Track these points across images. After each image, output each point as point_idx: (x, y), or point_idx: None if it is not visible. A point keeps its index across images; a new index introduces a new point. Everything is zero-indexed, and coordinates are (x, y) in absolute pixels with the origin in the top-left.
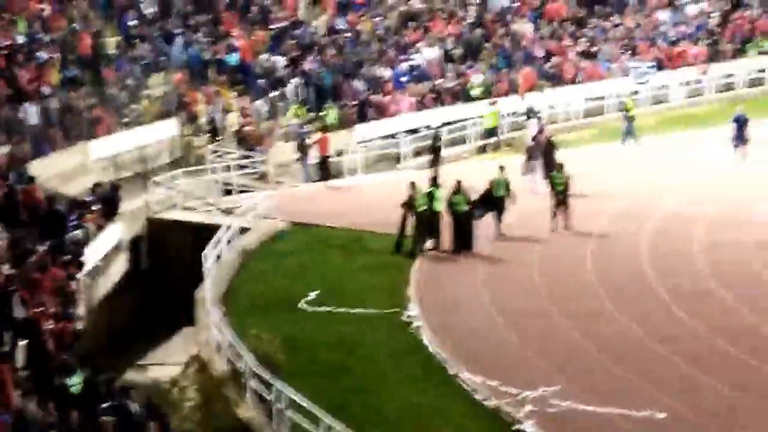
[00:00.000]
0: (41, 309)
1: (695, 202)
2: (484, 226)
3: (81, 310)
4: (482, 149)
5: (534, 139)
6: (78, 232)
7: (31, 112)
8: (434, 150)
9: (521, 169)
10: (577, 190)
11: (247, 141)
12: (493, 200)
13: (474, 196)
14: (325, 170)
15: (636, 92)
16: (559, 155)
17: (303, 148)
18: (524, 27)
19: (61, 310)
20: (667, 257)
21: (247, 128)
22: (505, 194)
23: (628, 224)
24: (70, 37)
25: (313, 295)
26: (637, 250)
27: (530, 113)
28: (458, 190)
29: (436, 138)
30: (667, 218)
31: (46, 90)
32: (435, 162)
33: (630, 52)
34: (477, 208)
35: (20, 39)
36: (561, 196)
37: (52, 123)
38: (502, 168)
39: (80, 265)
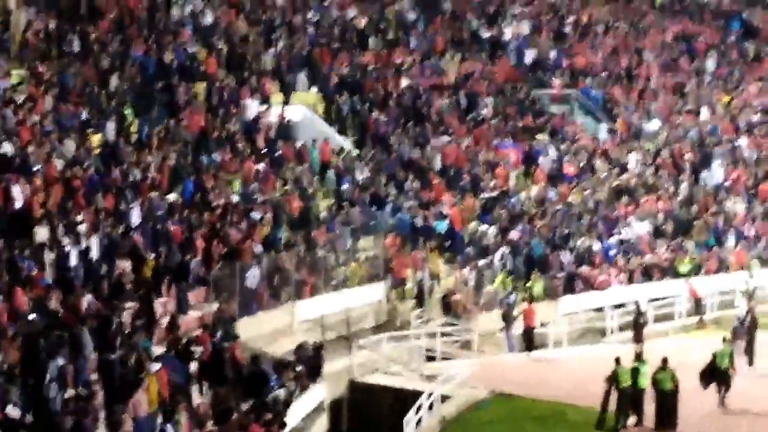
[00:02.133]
0: None
1: None
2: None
3: None
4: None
5: (741, 320)
6: (281, 392)
7: (250, 273)
8: (637, 325)
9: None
10: None
11: (452, 308)
12: (717, 372)
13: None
14: (529, 341)
15: None
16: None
17: (508, 318)
18: (736, 206)
19: None
20: None
21: (453, 296)
22: (729, 366)
23: None
24: (282, 199)
25: None
26: None
27: (745, 294)
28: (664, 367)
29: (640, 313)
30: None
31: (257, 250)
32: (638, 337)
33: None
34: (702, 380)
35: (235, 198)
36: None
37: (260, 282)
38: (725, 339)
39: (282, 425)
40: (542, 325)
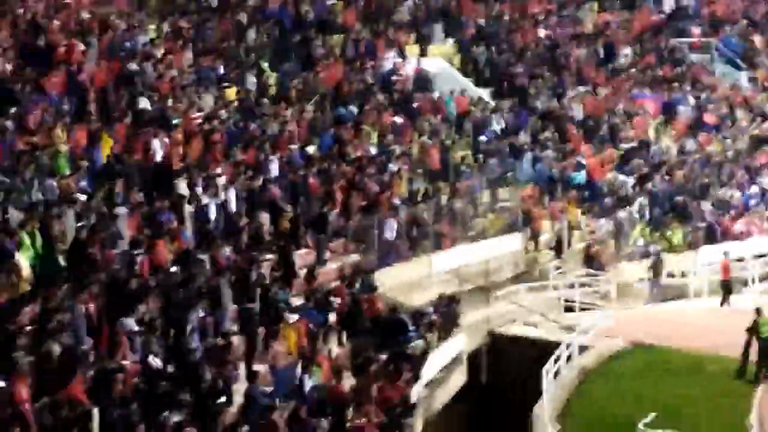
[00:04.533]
0: (366, 419)
1: None
2: None
3: (418, 421)
4: None
5: None
6: (419, 343)
7: (387, 225)
8: None
9: None
10: None
11: (591, 258)
12: None
13: None
14: (728, 292)
15: None
16: None
17: (656, 268)
18: None
19: (389, 421)
20: None
21: (592, 246)
22: None
23: None
24: (420, 150)
25: (651, 417)
26: None
27: None
28: None
29: None
30: None
31: (395, 201)
32: None
33: None
34: None
35: (373, 150)
36: None
37: (398, 235)
38: None
39: (418, 377)
40: (682, 275)
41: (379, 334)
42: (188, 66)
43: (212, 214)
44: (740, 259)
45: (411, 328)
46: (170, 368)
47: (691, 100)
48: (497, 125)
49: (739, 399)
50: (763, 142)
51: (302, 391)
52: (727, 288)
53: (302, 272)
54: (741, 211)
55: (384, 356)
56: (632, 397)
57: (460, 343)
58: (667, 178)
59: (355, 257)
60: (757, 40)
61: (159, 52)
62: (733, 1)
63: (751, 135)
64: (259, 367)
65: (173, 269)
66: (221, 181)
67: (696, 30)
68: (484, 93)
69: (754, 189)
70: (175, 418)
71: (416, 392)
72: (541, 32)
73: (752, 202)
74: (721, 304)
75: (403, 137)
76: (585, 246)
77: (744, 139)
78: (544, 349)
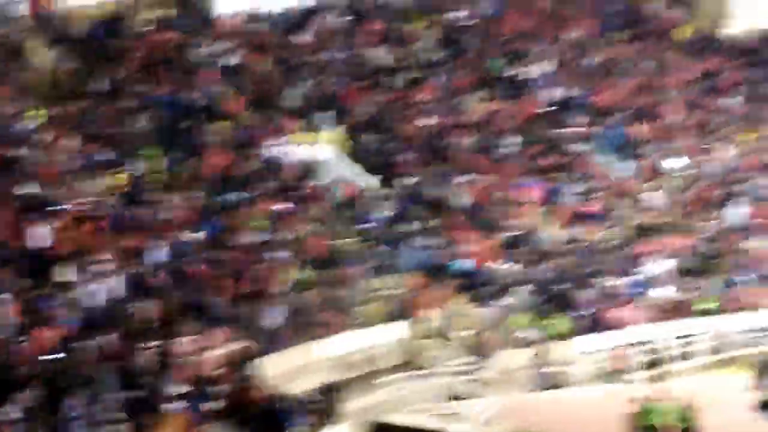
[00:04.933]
0: None
1: None
2: None
3: None
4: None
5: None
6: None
7: (272, 312)
8: (658, 364)
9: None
10: None
11: (475, 347)
12: None
13: None
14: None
15: None
16: None
17: (539, 356)
18: (762, 244)
19: None
20: None
21: (476, 334)
22: None
23: None
24: (305, 238)
25: None
26: None
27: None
28: (687, 405)
29: (661, 352)
30: None
31: (282, 289)
32: (659, 376)
33: None
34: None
35: (259, 238)
36: None
37: (283, 322)
38: None
39: None
40: (564, 363)
41: (263, 423)
42: (76, 151)
43: (97, 300)
44: (623, 348)
45: (294, 415)
46: None
47: (576, 189)
48: (384, 212)
49: None
50: (646, 231)
51: None
52: (620, 376)
53: (186, 360)
54: (624, 300)
55: None
56: None
57: None
58: (551, 266)
59: (239, 344)
60: (640, 129)
61: (46, 137)
62: (617, 91)
63: (633, 224)
64: None
65: (55, 356)
66: (107, 266)
67: (581, 119)
68: (372, 180)
69: (637, 278)
70: None
71: None
72: (428, 120)
73: (635, 290)
74: (610, 393)
75: (290, 224)
76: (469, 334)
77: (627, 228)
78: None
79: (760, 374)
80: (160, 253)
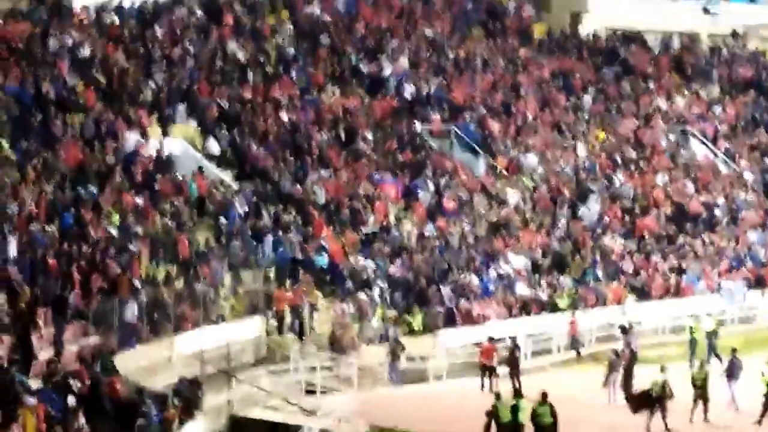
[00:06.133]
0: None
1: None
2: None
3: None
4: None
5: (617, 353)
6: (158, 426)
7: (128, 307)
8: (513, 360)
9: (603, 382)
10: None
11: (333, 342)
12: (652, 400)
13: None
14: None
15: (723, 311)
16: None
17: (394, 352)
18: (613, 241)
19: None
20: None
21: (333, 330)
22: (661, 393)
23: None
24: (161, 232)
25: None
26: None
27: (623, 329)
28: (543, 401)
29: (516, 347)
30: None
31: (136, 283)
32: (514, 372)
33: (720, 270)
34: (631, 403)
35: (114, 231)
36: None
37: (139, 316)
38: (662, 369)
39: None
40: (422, 359)
41: (120, 418)
42: None
43: None
44: (479, 344)
45: (152, 411)
46: None
47: (431, 185)
48: (239, 208)
49: None
50: (500, 227)
51: None
52: (489, 372)
53: (41, 354)
54: (480, 296)
55: None
56: None
57: (200, 427)
58: (408, 262)
59: (95, 339)
60: (495, 126)
61: None
62: (472, 88)
63: (488, 220)
64: None
65: None
66: None
67: (436, 116)
68: (227, 175)
69: (492, 274)
70: None
71: None
72: (284, 115)
73: (490, 286)
74: (482, 388)
75: (144, 218)
76: (325, 329)
77: (482, 225)
78: None
79: (609, 370)
80: (12, 246)
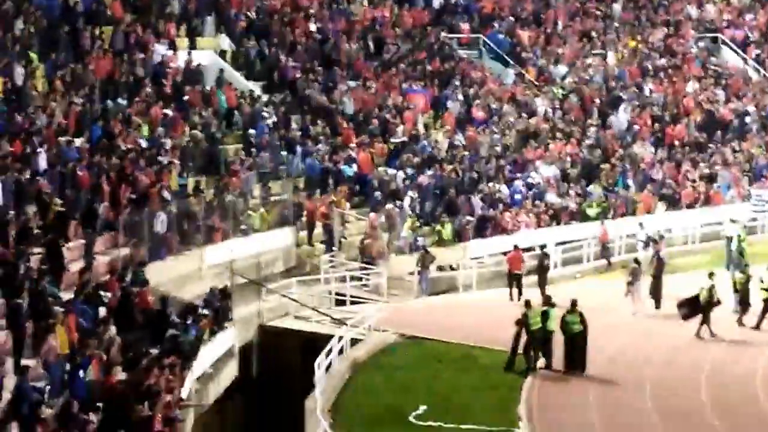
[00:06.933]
0: (150, 412)
1: None
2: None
3: (190, 414)
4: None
5: (638, 262)
6: (190, 337)
7: (158, 218)
8: (542, 268)
9: (625, 290)
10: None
11: (362, 252)
12: (700, 306)
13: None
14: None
15: (754, 219)
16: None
17: (423, 262)
18: (643, 150)
19: (171, 413)
20: None
21: (363, 240)
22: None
23: (745, 351)
24: (190, 144)
25: (422, 409)
26: (751, 379)
27: (649, 239)
28: (573, 309)
29: (546, 256)
30: None
31: (165, 195)
32: (542, 281)
33: (750, 178)
34: (681, 308)
35: (143, 143)
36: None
37: (169, 228)
38: (711, 275)
39: (190, 370)
40: (452, 268)
41: (150, 328)
42: None
43: None
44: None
45: (182, 321)
46: None
47: (460, 96)
48: (268, 119)
49: (509, 390)
50: (530, 137)
51: (73, 386)
52: (517, 280)
53: (72, 266)
54: (509, 205)
55: (154, 350)
56: (404, 389)
57: (231, 337)
58: (437, 172)
59: (125, 251)
60: (524, 36)
61: None
62: None
63: (518, 130)
64: (29, 362)
65: None
66: None
67: (465, 26)
68: (255, 87)
69: (521, 184)
70: None
71: (188, 386)
72: (312, 26)
73: (519, 196)
74: (510, 298)
75: (173, 130)
76: (355, 239)
77: (511, 135)
78: (315, 342)
79: (631, 279)
80: (41, 159)
